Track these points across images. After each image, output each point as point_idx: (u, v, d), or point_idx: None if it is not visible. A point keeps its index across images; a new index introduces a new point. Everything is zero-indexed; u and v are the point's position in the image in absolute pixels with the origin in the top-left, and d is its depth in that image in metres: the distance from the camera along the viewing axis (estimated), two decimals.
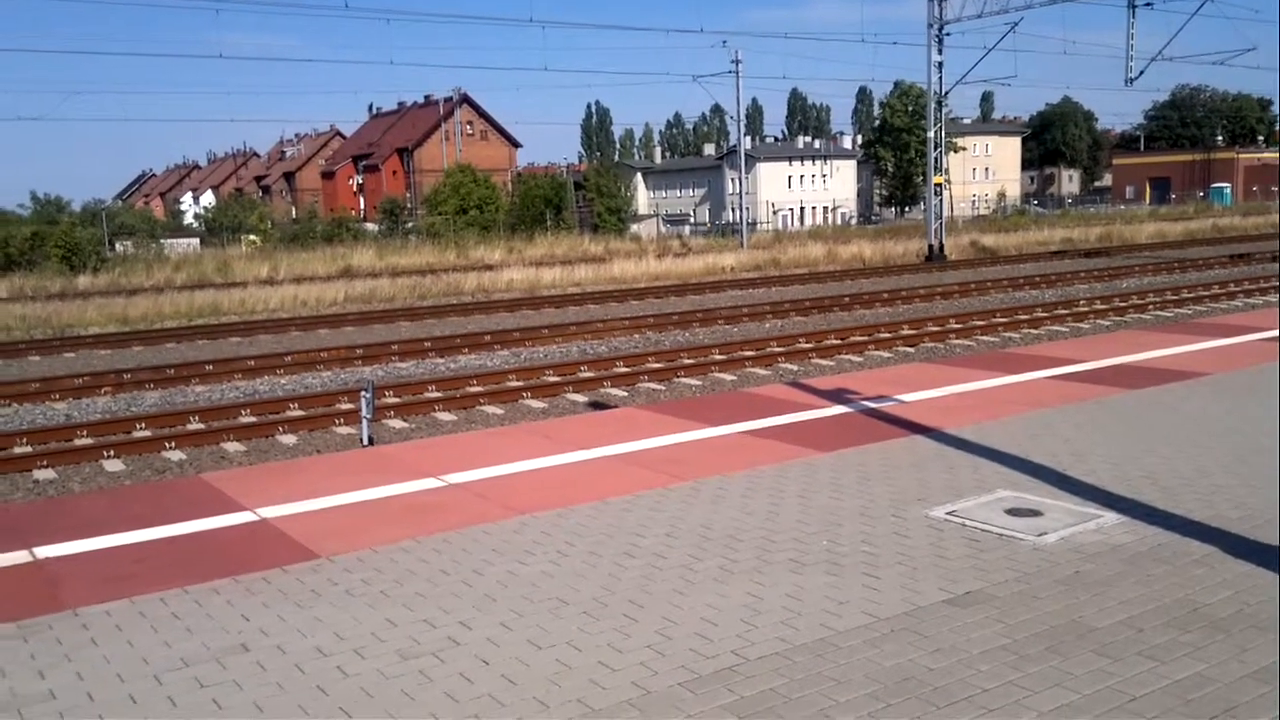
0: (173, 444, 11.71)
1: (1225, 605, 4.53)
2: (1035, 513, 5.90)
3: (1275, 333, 12.23)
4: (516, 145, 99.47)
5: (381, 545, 5.77)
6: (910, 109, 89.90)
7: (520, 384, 14.57)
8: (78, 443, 11.85)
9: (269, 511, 6.49)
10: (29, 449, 11.58)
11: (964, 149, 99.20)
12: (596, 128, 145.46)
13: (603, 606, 4.79)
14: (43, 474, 10.79)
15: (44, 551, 5.86)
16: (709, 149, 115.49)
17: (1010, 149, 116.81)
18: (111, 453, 11.38)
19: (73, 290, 31.77)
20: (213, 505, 6.68)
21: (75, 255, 37.88)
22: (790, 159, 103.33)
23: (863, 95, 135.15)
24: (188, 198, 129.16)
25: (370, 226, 63.66)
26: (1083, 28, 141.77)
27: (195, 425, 12.62)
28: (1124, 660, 4.04)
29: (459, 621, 4.67)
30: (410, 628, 4.61)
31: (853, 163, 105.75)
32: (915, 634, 4.34)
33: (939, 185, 38.98)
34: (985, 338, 18.05)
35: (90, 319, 25.43)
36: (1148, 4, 31.79)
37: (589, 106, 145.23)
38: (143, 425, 12.56)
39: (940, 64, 37.44)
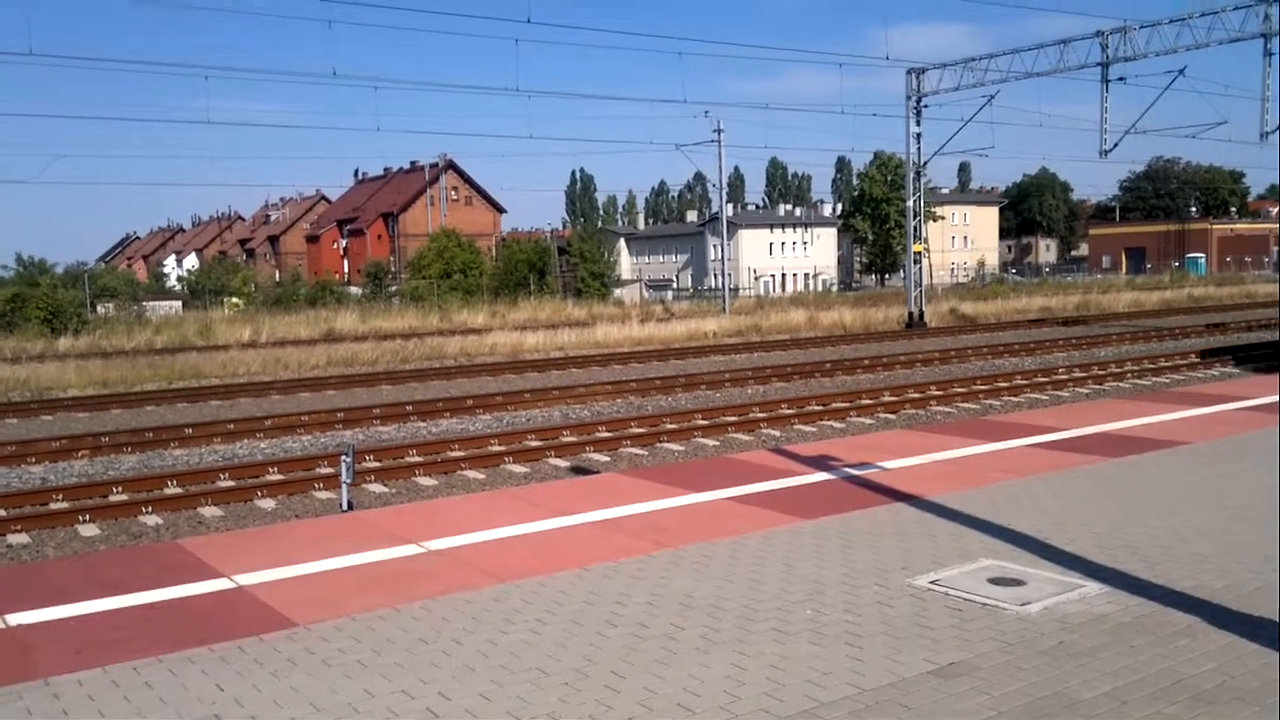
0: (150, 509, 11.58)
1: (1209, 677, 4.52)
2: (1018, 582, 5.88)
3: (1254, 402, 12.34)
4: (501, 211, 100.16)
5: (359, 613, 5.70)
6: (889, 179, 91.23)
7: (502, 448, 14.51)
8: (53, 507, 11.69)
9: (246, 578, 6.41)
10: (3, 513, 11.42)
11: (943, 218, 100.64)
12: (580, 194, 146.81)
13: (584, 677, 4.73)
14: (17, 538, 10.63)
15: (16, 618, 5.76)
16: (691, 215, 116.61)
17: (988, 218, 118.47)
18: (87, 517, 11.24)
19: (53, 352, 31.57)
20: (189, 571, 6.59)
21: (56, 317, 37.74)
22: (771, 226, 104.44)
23: (842, 165, 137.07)
24: (171, 260, 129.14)
25: (354, 290, 63.73)
26: (1058, 101, 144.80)
27: (173, 489, 12.49)
28: None
29: (438, 692, 4.60)
30: (388, 698, 4.54)
31: (833, 230, 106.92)
32: (900, 705, 4.30)
33: (918, 253, 39.44)
34: (966, 405, 18.13)
35: (69, 381, 25.25)
36: (1121, 79, 32.55)
37: (573, 173, 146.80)
38: (120, 489, 12.42)
39: (919, 135, 38.12)
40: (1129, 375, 21.30)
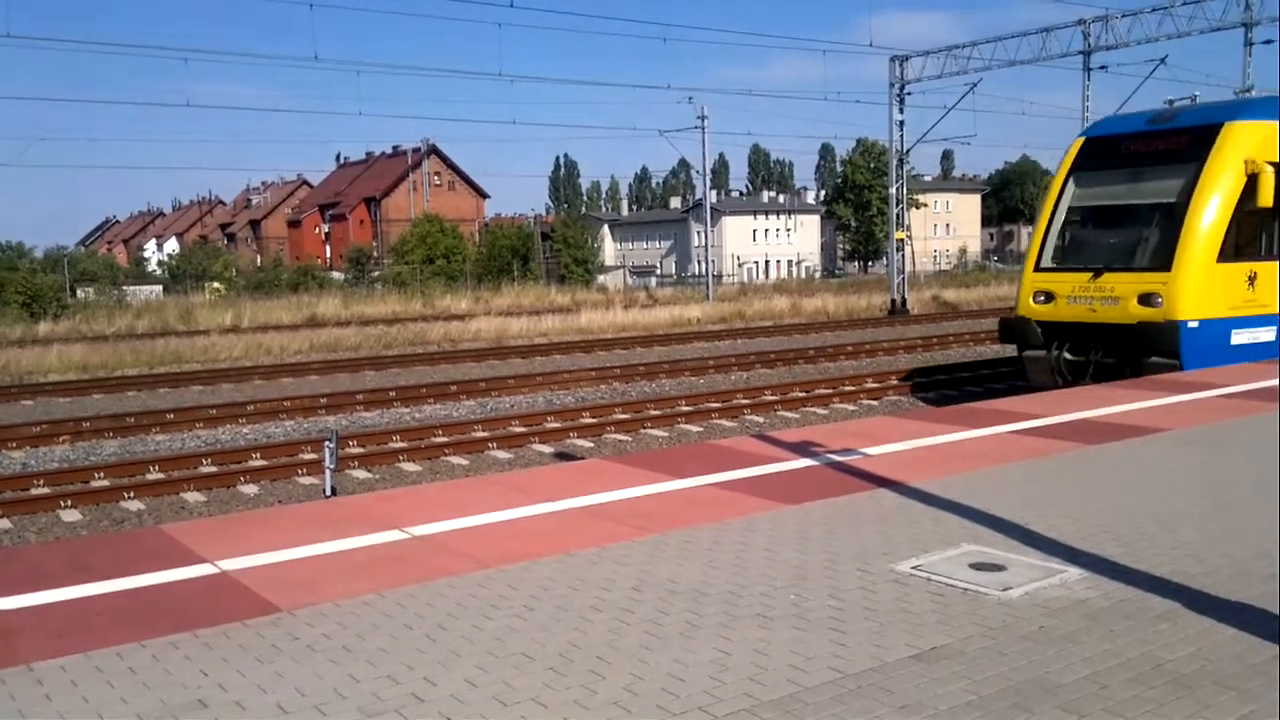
0: (132, 494, 11.53)
1: (1188, 661, 4.57)
2: (999, 567, 5.93)
3: (1234, 389, 12.44)
4: (484, 196, 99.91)
5: (344, 599, 5.69)
6: (872, 165, 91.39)
7: (486, 434, 14.51)
8: (34, 492, 11.64)
9: (229, 564, 6.40)
10: None
11: (925, 205, 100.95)
12: (564, 180, 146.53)
13: (569, 662, 4.74)
14: None
15: None
16: (675, 202, 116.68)
17: (970, 206, 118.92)
18: (69, 503, 11.19)
19: (32, 337, 31.36)
20: (172, 557, 6.57)
21: (36, 302, 37.53)
22: (755, 213, 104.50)
23: (825, 152, 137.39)
24: (152, 245, 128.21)
25: (336, 275, 63.52)
26: (1040, 89, 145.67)
27: (155, 475, 12.44)
28: (1089, 716, 4.06)
29: (423, 677, 4.60)
30: (373, 684, 4.55)
31: (816, 217, 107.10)
32: (882, 690, 4.33)
33: (901, 241, 39.56)
34: (948, 391, 18.22)
35: (50, 366, 25.10)
36: (1103, 67, 32.73)
37: (557, 159, 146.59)
38: (101, 475, 12.37)
39: (901, 123, 38.19)
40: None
